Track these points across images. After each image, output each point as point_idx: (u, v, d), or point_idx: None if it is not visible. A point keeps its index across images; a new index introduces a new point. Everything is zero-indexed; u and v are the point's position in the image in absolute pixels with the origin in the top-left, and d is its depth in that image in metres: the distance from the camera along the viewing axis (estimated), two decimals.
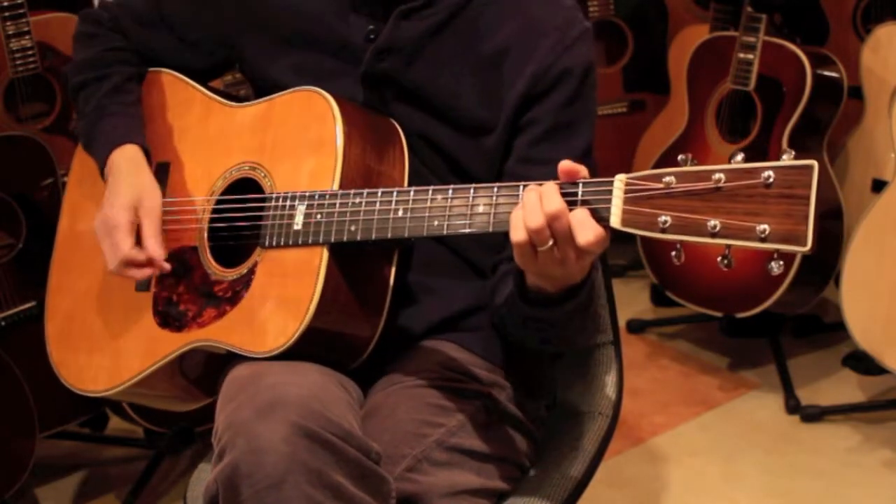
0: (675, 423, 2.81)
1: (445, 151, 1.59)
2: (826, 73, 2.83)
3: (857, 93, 2.87)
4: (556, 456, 1.68)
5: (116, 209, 1.59)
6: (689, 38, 3.10)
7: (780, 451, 2.68)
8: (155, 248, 1.57)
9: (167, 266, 1.58)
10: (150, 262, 1.58)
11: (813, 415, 2.78)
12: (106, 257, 1.60)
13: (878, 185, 2.78)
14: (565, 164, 1.30)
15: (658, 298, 3.17)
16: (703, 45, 3.00)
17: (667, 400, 2.91)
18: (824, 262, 2.87)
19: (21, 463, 2.31)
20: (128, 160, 1.65)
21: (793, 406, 2.82)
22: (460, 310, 1.62)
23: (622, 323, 3.19)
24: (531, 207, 1.28)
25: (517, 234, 1.30)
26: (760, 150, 2.86)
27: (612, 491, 2.54)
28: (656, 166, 3.06)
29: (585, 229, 1.26)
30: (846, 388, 2.90)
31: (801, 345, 3.11)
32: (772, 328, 3.03)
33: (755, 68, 2.83)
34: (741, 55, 2.84)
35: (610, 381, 1.76)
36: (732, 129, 2.96)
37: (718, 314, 2.97)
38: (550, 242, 1.28)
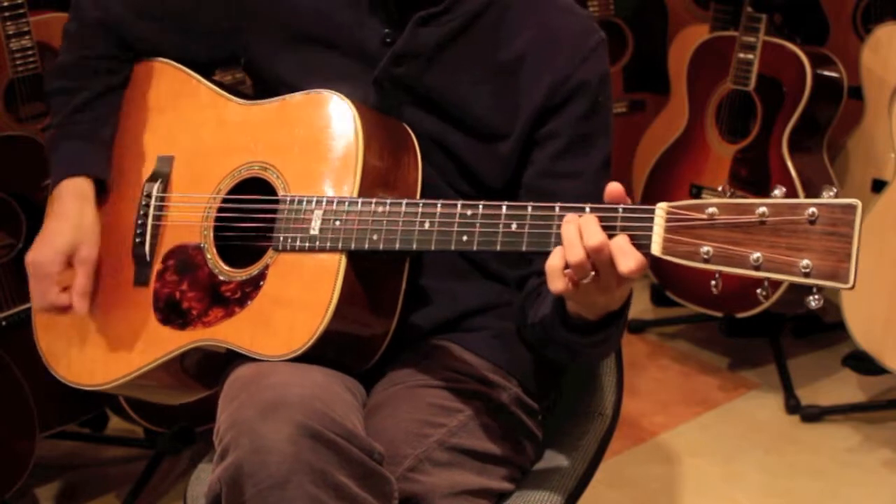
0: (675, 423, 2.81)
1: (457, 156, 1.59)
2: (826, 73, 2.83)
3: (857, 93, 2.88)
4: (556, 456, 1.68)
5: (51, 254, 1.60)
6: (689, 38, 3.10)
7: (780, 451, 2.68)
8: (81, 305, 1.60)
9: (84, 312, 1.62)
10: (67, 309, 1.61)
11: (813, 415, 2.79)
12: (32, 295, 1.62)
13: (878, 185, 2.78)
14: (614, 187, 1.29)
15: (658, 298, 3.18)
16: (703, 45, 3.00)
17: (667, 400, 2.91)
18: None
19: (21, 463, 2.31)
20: (75, 196, 1.64)
21: (793, 406, 2.82)
22: (464, 311, 1.62)
23: None
24: (571, 241, 1.28)
25: (556, 285, 1.30)
26: (760, 150, 2.86)
27: (612, 491, 2.53)
28: (657, 166, 3.07)
29: (627, 257, 1.26)
30: (846, 388, 2.91)
31: (801, 345, 3.12)
32: (772, 328, 3.04)
33: (755, 68, 2.83)
34: (741, 55, 2.85)
35: (610, 381, 1.76)
36: (732, 129, 2.96)
37: (718, 314, 2.97)
38: (592, 275, 1.28)
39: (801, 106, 2.79)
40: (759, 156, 2.87)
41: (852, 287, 1.17)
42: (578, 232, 1.28)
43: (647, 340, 3.23)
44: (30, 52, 2.44)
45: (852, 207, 1.17)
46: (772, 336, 3.05)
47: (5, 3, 2.37)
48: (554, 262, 1.30)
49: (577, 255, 1.27)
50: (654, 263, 3.19)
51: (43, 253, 1.61)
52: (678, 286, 3.04)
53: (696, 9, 3.39)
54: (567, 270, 1.29)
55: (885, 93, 2.71)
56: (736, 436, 2.75)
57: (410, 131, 1.57)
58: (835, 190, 1.19)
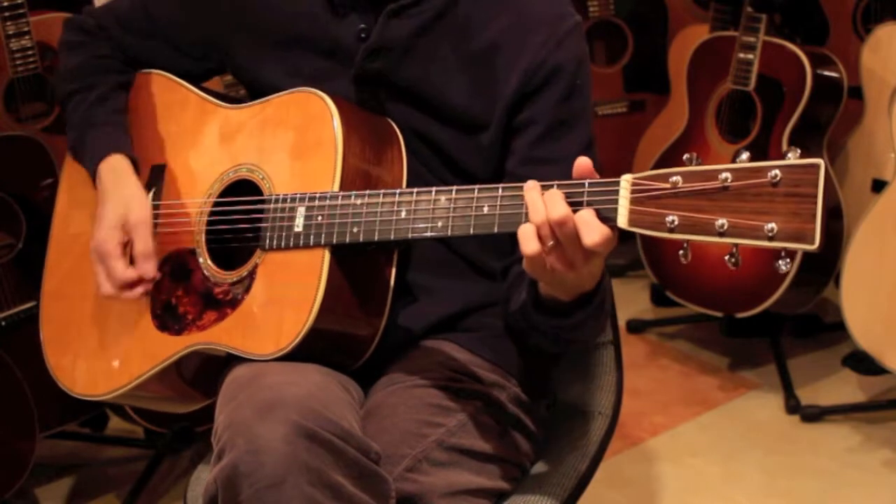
0: (674, 423, 2.81)
1: (441, 148, 1.59)
2: (826, 73, 2.83)
3: (857, 93, 2.87)
4: (556, 456, 1.68)
5: (105, 232, 1.60)
6: (689, 38, 3.10)
7: (780, 451, 2.68)
8: (146, 268, 1.58)
9: (157, 275, 1.60)
10: (141, 281, 1.59)
11: (813, 415, 2.78)
12: (100, 284, 1.61)
13: (878, 185, 2.78)
14: (583, 162, 1.29)
15: (658, 298, 3.18)
16: (703, 45, 3.00)
17: (667, 400, 2.91)
18: (824, 262, 2.88)
19: (21, 463, 2.31)
20: (112, 172, 1.65)
21: (793, 406, 2.82)
22: (460, 310, 1.62)
23: (622, 323, 3.19)
24: (534, 205, 1.28)
25: (529, 247, 1.29)
26: (761, 150, 2.86)
27: (612, 491, 2.54)
28: (657, 166, 3.07)
29: (591, 230, 1.26)
30: (846, 388, 2.90)
31: (801, 345, 3.11)
32: (772, 328, 3.04)
33: (755, 68, 2.83)
34: (741, 55, 2.84)
35: (610, 381, 1.76)
36: (732, 129, 2.96)
37: (718, 314, 2.97)
38: (551, 242, 1.28)
39: (801, 106, 2.79)
40: (759, 156, 2.85)
41: (818, 248, 1.15)
42: (541, 196, 1.28)
43: (647, 340, 3.23)
44: (30, 52, 2.44)
45: (815, 166, 1.16)
46: (772, 336, 3.04)
47: (5, 3, 2.38)
48: (526, 227, 1.30)
49: (539, 216, 1.27)
50: (655, 263, 3.18)
51: (97, 236, 1.61)
52: (678, 286, 3.04)
53: (696, 9, 3.39)
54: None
55: (885, 93, 2.71)
56: (736, 436, 2.75)
57: (394, 126, 1.57)
58: (799, 151, 1.17)
